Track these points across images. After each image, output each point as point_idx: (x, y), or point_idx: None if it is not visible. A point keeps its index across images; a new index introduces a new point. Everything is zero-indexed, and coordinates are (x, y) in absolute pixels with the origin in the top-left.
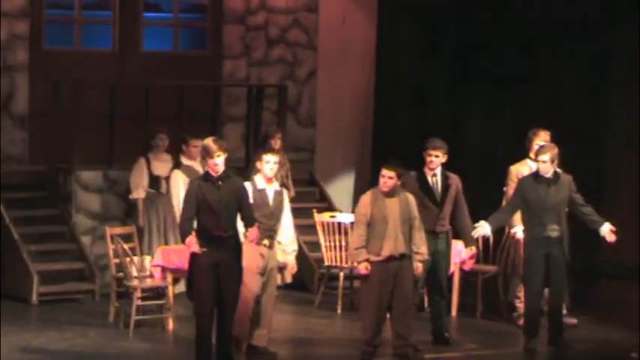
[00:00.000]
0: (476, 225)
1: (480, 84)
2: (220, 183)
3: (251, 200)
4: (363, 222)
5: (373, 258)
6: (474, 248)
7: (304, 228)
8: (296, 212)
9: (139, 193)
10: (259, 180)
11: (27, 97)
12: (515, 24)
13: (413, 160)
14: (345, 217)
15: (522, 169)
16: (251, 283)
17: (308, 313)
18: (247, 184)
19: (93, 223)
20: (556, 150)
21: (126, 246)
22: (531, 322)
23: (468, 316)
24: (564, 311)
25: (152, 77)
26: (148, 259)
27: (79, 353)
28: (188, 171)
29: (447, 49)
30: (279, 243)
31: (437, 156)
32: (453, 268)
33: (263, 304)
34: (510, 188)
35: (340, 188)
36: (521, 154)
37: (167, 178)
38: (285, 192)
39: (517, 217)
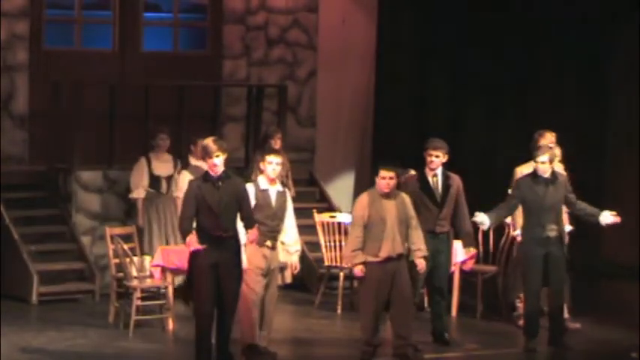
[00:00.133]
0: (476, 214)
1: (480, 84)
2: (220, 183)
3: (254, 201)
4: (360, 224)
5: (371, 259)
6: (471, 249)
7: (304, 228)
8: (296, 212)
9: (139, 192)
10: (262, 181)
11: (27, 97)
12: (515, 24)
13: (413, 160)
14: (345, 217)
15: (528, 170)
16: (255, 285)
17: (308, 313)
18: (250, 185)
19: (93, 223)
20: (554, 150)
21: (126, 246)
22: (531, 323)
23: (468, 316)
24: (566, 315)
25: (152, 77)
26: (147, 259)
27: (79, 353)
28: (196, 171)
29: (447, 49)
30: (282, 243)
31: (437, 156)
32: (453, 268)
33: (264, 305)
34: None
35: (340, 188)
36: (521, 154)
37: (168, 178)
38: (287, 192)
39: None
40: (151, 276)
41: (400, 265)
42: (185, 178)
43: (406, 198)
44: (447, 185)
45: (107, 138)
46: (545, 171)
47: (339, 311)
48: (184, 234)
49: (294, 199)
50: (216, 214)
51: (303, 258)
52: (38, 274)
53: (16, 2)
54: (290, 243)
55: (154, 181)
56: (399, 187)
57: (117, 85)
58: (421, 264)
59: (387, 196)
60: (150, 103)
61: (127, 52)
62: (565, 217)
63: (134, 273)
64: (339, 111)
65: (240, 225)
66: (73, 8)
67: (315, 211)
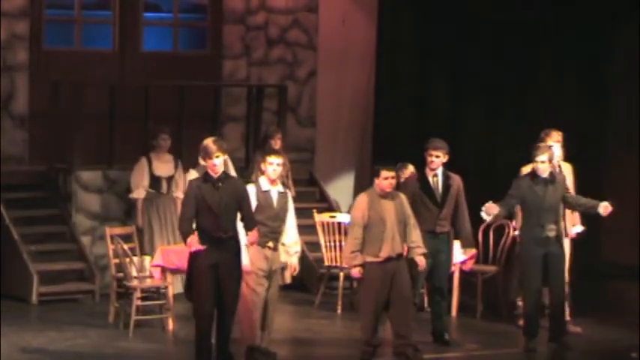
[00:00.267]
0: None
1: (480, 84)
2: (220, 184)
3: (255, 202)
4: (360, 225)
5: (371, 259)
6: (468, 250)
7: (304, 228)
8: (296, 212)
9: (139, 193)
10: (263, 182)
11: (27, 97)
12: (516, 24)
13: (413, 160)
14: (345, 217)
15: None
16: (256, 286)
17: (308, 313)
18: (251, 186)
19: (93, 223)
20: (552, 150)
21: (126, 246)
22: (531, 323)
23: (468, 316)
24: (568, 317)
25: (152, 77)
26: (147, 259)
27: (79, 353)
28: (204, 171)
29: (447, 49)
30: (282, 244)
31: (438, 156)
32: (453, 268)
33: (265, 305)
34: None
35: (340, 188)
36: (521, 154)
37: (168, 179)
38: (289, 193)
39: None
40: (151, 276)
41: (400, 265)
42: (192, 178)
43: (403, 197)
44: (447, 185)
45: (107, 138)
46: (544, 171)
47: (339, 311)
48: (184, 235)
49: (295, 200)
50: (216, 214)
51: (303, 258)
52: (38, 274)
53: (16, 2)
54: (290, 244)
55: (155, 181)
56: (398, 187)
57: (117, 85)
58: (421, 262)
59: (386, 196)
60: (150, 103)
61: (127, 52)
62: (576, 217)
63: (134, 273)
64: (339, 111)
65: (240, 225)
66: (73, 8)
67: (315, 211)
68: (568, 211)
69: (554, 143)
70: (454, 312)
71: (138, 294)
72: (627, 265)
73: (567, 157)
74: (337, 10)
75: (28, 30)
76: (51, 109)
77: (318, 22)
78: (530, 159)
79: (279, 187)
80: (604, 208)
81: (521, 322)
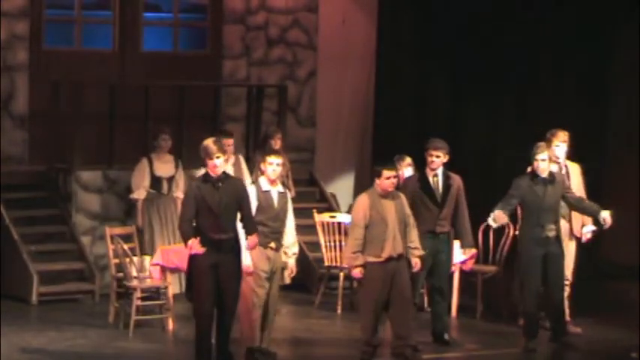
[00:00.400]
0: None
1: (480, 84)
2: (220, 184)
3: (256, 203)
4: (361, 225)
5: (373, 259)
6: (468, 250)
7: (304, 228)
8: (296, 212)
9: (139, 193)
10: (263, 182)
11: (27, 97)
12: (515, 24)
13: (413, 160)
14: (345, 217)
15: None
16: (258, 288)
17: (308, 313)
18: (252, 187)
19: (93, 223)
20: (553, 149)
21: (126, 246)
22: (531, 323)
23: (468, 316)
24: (568, 318)
25: (152, 77)
26: (147, 259)
27: (78, 353)
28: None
29: (447, 49)
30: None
31: (438, 156)
32: (453, 268)
33: (266, 305)
34: None
35: (340, 188)
36: (521, 154)
37: (169, 179)
38: (288, 193)
39: None
40: (151, 276)
41: (400, 265)
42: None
43: (403, 197)
44: (447, 185)
45: (107, 138)
46: (544, 169)
47: (339, 311)
48: (184, 236)
49: (295, 200)
50: (216, 214)
51: (303, 258)
52: (38, 274)
53: (16, 2)
54: (288, 244)
55: (155, 181)
56: (398, 187)
57: (117, 85)
58: (416, 264)
59: (387, 196)
60: (150, 103)
61: (126, 52)
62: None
63: (134, 273)
64: (339, 111)
65: (240, 225)
66: (73, 8)
67: (315, 211)
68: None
69: (560, 143)
70: (454, 312)
71: (138, 294)
72: (627, 265)
73: (568, 157)
74: (337, 10)
75: (28, 30)
76: (51, 109)
77: (318, 22)
78: (521, 157)
79: (279, 187)
80: (604, 219)
81: (521, 322)
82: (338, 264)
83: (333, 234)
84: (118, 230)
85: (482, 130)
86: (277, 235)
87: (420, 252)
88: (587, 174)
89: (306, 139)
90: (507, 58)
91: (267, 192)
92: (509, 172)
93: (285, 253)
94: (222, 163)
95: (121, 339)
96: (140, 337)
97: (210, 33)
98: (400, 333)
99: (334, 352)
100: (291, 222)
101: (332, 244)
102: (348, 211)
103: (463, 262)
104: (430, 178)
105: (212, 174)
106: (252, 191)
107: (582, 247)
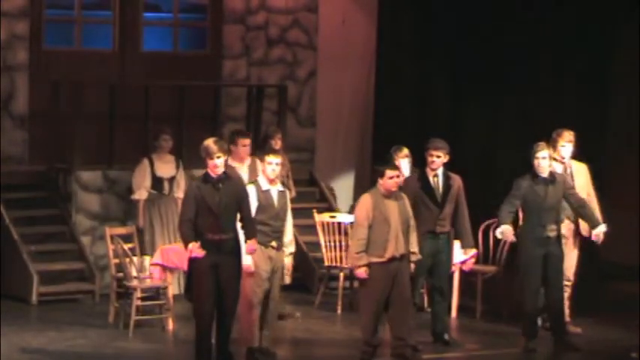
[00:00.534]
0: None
1: (480, 84)
2: (220, 185)
3: (256, 202)
4: (365, 225)
5: (375, 259)
6: (468, 250)
7: (304, 228)
8: (296, 212)
9: (141, 194)
10: (263, 181)
11: (27, 97)
12: (515, 24)
13: (414, 160)
14: (345, 217)
15: None
16: (257, 287)
17: (308, 313)
18: (251, 187)
19: (93, 223)
20: (551, 148)
21: (126, 246)
22: (530, 323)
23: (468, 316)
24: (568, 319)
25: (152, 77)
26: (147, 259)
27: (78, 353)
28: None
29: (447, 49)
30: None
31: (439, 156)
32: (453, 268)
33: (267, 305)
34: None
35: (340, 188)
36: (521, 154)
37: (170, 179)
38: (287, 193)
39: None
40: (151, 275)
41: (402, 266)
42: None
43: (406, 198)
44: (447, 185)
45: (107, 138)
46: (545, 168)
47: (339, 311)
48: (184, 237)
49: (295, 200)
50: (216, 215)
51: (303, 258)
52: (38, 274)
53: (16, 2)
54: (286, 244)
55: (156, 182)
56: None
57: (117, 85)
58: (412, 268)
59: (390, 196)
60: (150, 103)
61: (127, 52)
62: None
63: (134, 273)
64: (339, 111)
65: (240, 225)
66: (73, 8)
67: (315, 211)
68: None
69: (566, 143)
70: (454, 312)
71: (138, 294)
72: (627, 265)
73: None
74: (337, 10)
75: (28, 30)
76: (51, 109)
77: (318, 22)
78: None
79: (279, 186)
80: (596, 235)
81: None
82: (338, 264)
83: (333, 234)
84: (118, 230)
85: (483, 130)
86: (278, 234)
87: (418, 257)
88: None
89: (306, 139)
90: (507, 58)
91: (267, 191)
92: (509, 172)
93: (283, 252)
94: (223, 163)
95: (121, 339)
96: (140, 337)
97: (210, 33)
98: (399, 334)
99: (334, 352)
100: (289, 221)
101: (332, 244)
102: (350, 212)
103: (463, 262)
104: (430, 178)
105: (212, 174)
106: (252, 191)
107: (583, 248)
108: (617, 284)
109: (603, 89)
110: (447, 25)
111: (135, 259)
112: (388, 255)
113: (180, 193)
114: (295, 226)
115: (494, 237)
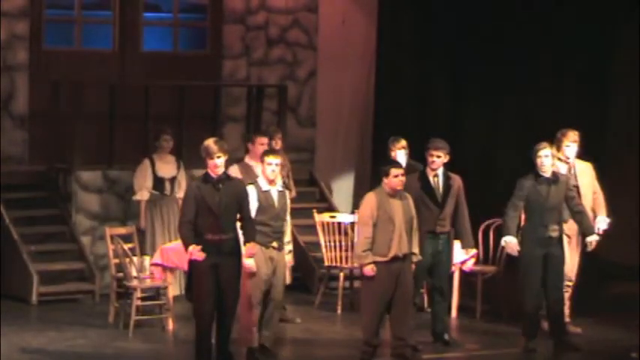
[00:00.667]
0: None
1: (480, 84)
2: (220, 185)
3: (256, 203)
4: (370, 224)
5: (379, 259)
6: (470, 250)
7: (304, 228)
8: (296, 212)
9: (142, 194)
10: (262, 182)
11: (27, 97)
12: (515, 24)
13: (413, 160)
14: (345, 217)
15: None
16: (256, 288)
17: (308, 313)
18: (251, 187)
19: (93, 223)
20: (554, 147)
21: (126, 246)
22: (530, 323)
23: (468, 316)
24: (567, 319)
25: (152, 77)
26: (147, 259)
27: (78, 353)
28: (245, 169)
29: (447, 48)
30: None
31: (439, 156)
32: (453, 268)
33: (269, 305)
34: None
35: (340, 188)
36: (521, 154)
37: (171, 180)
38: (287, 192)
39: None
40: (152, 275)
41: (405, 266)
42: (232, 172)
43: (410, 198)
44: (448, 185)
45: (107, 138)
46: (547, 166)
47: (339, 311)
48: (184, 239)
49: (295, 200)
50: (216, 215)
51: (303, 258)
52: (38, 274)
53: (16, 2)
54: (286, 243)
55: (158, 182)
56: None
57: (117, 85)
58: (412, 269)
59: (395, 195)
60: (150, 103)
61: (127, 52)
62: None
63: (134, 273)
64: (339, 111)
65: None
66: (73, 8)
67: (315, 211)
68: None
69: (571, 143)
70: (454, 312)
71: (138, 294)
72: (627, 265)
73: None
74: (337, 10)
75: (28, 30)
76: (51, 109)
77: (318, 22)
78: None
79: (278, 187)
80: (589, 242)
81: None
82: (338, 264)
83: (333, 234)
84: (118, 230)
85: (483, 130)
86: (279, 234)
87: (418, 258)
88: None
89: (306, 139)
90: (507, 58)
91: (267, 192)
92: (509, 172)
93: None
94: (223, 163)
95: (121, 339)
96: (140, 337)
97: (210, 33)
98: (399, 333)
99: (334, 352)
100: (288, 220)
101: (332, 244)
102: (353, 212)
103: (463, 262)
104: (431, 178)
105: (212, 174)
106: (252, 192)
107: (583, 248)
108: (617, 284)
109: (603, 89)
110: (447, 25)
111: (135, 259)
112: (391, 254)
113: (181, 194)
114: (295, 226)
115: (494, 237)
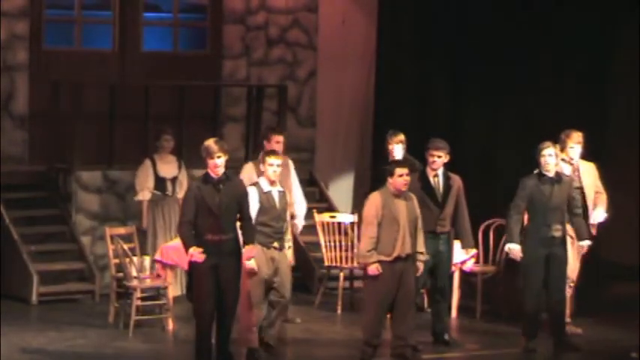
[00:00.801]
0: (511, 250)
1: (480, 84)
2: (221, 185)
3: (258, 204)
4: (374, 224)
5: (383, 258)
6: (470, 250)
7: (304, 228)
8: None
9: (144, 194)
10: (263, 183)
11: (27, 97)
12: (516, 24)
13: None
14: (345, 217)
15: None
16: (256, 289)
17: (308, 313)
18: (252, 188)
19: (93, 223)
20: (557, 147)
21: (126, 246)
22: (531, 323)
23: (468, 316)
24: (568, 319)
25: (152, 77)
26: (147, 259)
27: (78, 353)
28: (259, 167)
29: (447, 49)
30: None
31: (439, 156)
32: (453, 268)
33: (271, 305)
34: None
35: (340, 188)
36: (521, 154)
37: (172, 180)
38: (287, 193)
39: None
40: (158, 275)
41: (407, 266)
42: (247, 170)
43: (414, 199)
44: (448, 185)
45: (107, 138)
46: (551, 165)
47: (339, 311)
48: (184, 240)
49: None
50: (216, 215)
51: (303, 258)
52: (38, 274)
53: (16, 2)
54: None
55: (159, 182)
56: None
57: (117, 85)
58: (420, 269)
59: (399, 195)
60: (150, 103)
61: (127, 52)
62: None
63: (134, 273)
64: (339, 111)
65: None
66: (73, 8)
67: (315, 211)
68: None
69: (575, 144)
70: (454, 312)
71: (138, 294)
72: (627, 265)
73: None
74: (337, 10)
75: (28, 30)
76: (51, 109)
77: (318, 22)
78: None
79: (279, 187)
80: (580, 247)
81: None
82: (338, 264)
83: (333, 234)
84: (118, 230)
85: (483, 130)
86: (280, 234)
87: (425, 257)
88: None
89: (306, 139)
90: (507, 58)
91: (269, 192)
92: (509, 172)
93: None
94: (223, 163)
95: (121, 339)
96: (140, 337)
97: (210, 33)
98: (400, 333)
99: (334, 352)
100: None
101: (332, 244)
102: (353, 212)
103: (463, 262)
104: (431, 178)
105: (213, 174)
106: (253, 193)
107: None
108: (617, 284)
109: (603, 89)
110: (447, 25)
111: (135, 259)
112: (395, 254)
113: (182, 194)
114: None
115: (495, 237)
